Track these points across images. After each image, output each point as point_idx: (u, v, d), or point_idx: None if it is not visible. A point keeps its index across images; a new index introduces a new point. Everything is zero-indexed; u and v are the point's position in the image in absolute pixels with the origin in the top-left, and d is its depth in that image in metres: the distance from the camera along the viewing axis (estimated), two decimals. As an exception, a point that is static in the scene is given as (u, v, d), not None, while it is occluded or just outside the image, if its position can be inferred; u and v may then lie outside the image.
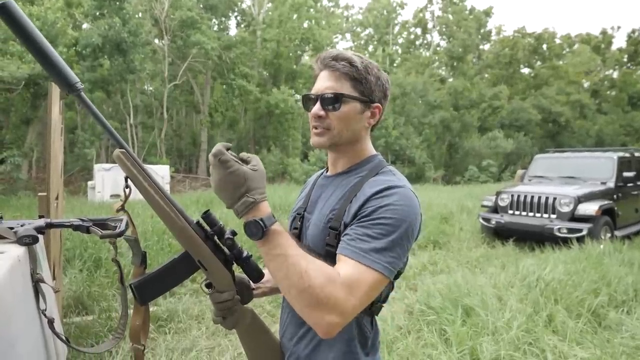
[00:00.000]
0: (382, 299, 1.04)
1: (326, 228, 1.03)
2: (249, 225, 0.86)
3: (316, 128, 1.07)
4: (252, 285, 1.13)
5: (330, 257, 0.99)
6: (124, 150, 0.89)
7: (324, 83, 1.06)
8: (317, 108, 1.05)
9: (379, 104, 1.08)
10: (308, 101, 1.09)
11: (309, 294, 0.83)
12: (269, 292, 1.24)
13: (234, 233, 0.98)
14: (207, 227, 0.96)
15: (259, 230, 0.85)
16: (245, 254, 0.99)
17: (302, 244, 1.11)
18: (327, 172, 1.19)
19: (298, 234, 1.13)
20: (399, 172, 1.08)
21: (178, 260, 0.98)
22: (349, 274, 0.87)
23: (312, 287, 0.83)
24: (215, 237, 0.97)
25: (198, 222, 0.95)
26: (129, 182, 0.92)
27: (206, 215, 0.95)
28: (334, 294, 0.83)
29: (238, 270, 1.04)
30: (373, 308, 1.03)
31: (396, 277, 1.02)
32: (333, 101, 1.03)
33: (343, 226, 0.98)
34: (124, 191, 0.94)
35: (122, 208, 0.95)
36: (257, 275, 1.01)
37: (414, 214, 0.95)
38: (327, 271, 0.86)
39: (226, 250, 0.98)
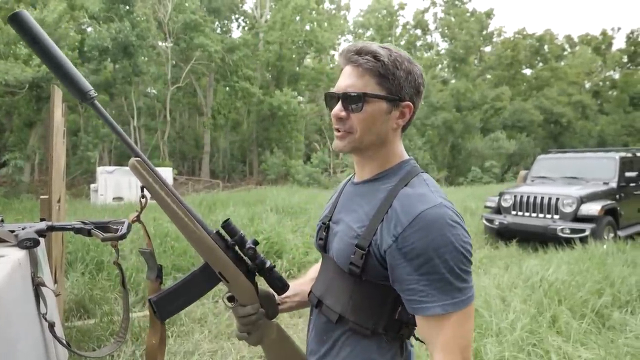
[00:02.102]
0: (412, 321, 0.95)
1: (352, 245, 0.94)
2: None
3: (338, 130, 0.98)
4: (278, 298, 1.07)
5: (353, 276, 0.94)
6: (139, 159, 0.86)
7: (346, 80, 0.96)
8: (338, 108, 0.96)
9: (409, 102, 0.97)
10: (331, 99, 1.00)
11: None
12: (296, 306, 1.17)
13: (255, 242, 0.94)
14: (227, 237, 0.92)
15: None
16: (268, 264, 0.95)
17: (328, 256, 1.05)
18: (354, 177, 1.09)
19: (324, 245, 1.06)
20: (432, 180, 0.98)
21: (198, 272, 0.94)
22: (453, 332, 0.84)
23: None
24: (236, 247, 0.93)
25: (218, 232, 0.92)
26: (145, 191, 0.89)
27: (226, 224, 0.92)
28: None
29: (262, 283, 1.00)
30: (402, 332, 0.95)
31: None
32: (355, 101, 0.93)
33: (376, 248, 0.90)
34: (140, 201, 0.91)
35: (138, 219, 0.93)
36: (281, 286, 0.97)
37: (460, 227, 0.87)
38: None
39: (248, 260, 0.94)
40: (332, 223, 1.05)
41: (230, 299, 0.97)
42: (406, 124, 1.01)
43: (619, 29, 65.99)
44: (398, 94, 0.95)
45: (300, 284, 1.20)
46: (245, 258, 0.94)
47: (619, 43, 64.45)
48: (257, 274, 0.96)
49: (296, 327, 3.87)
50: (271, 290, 1.00)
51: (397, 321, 0.93)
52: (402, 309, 0.92)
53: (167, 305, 0.94)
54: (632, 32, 42.86)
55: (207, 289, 0.96)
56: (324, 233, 1.07)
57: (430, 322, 0.85)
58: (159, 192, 0.87)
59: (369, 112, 0.94)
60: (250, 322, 0.94)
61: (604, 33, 44.57)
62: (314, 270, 1.24)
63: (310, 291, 1.10)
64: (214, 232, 0.91)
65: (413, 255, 0.85)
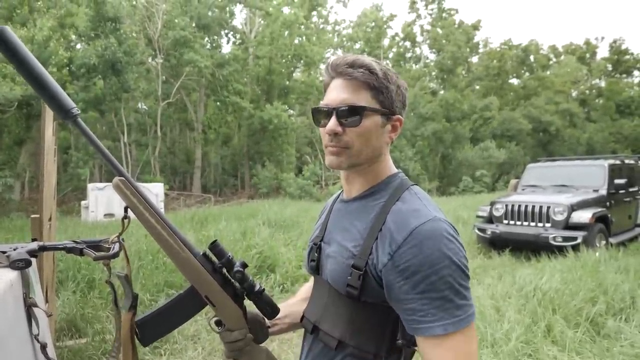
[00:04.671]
0: (414, 342, 0.90)
1: (348, 266, 0.90)
2: None
3: (332, 146, 0.93)
4: (267, 322, 1.03)
5: (351, 298, 0.90)
6: (123, 178, 0.84)
7: (340, 94, 0.91)
8: (333, 124, 0.90)
9: (399, 116, 0.96)
10: (319, 114, 0.94)
11: None
12: (287, 328, 1.13)
13: (244, 265, 0.91)
14: (214, 259, 0.90)
15: None
16: (257, 287, 0.92)
17: (322, 279, 1.01)
18: (343, 194, 1.06)
19: (316, 267, 1.03)
20: (423, 193, 0.95)
21: (184, 295, 0.91)
22: (455, 353, 0.80)
23: None
24: (224, 270, 0.90)
25: (204, 254, 0.89)
26: (129, 212, 0.86)
27: (214, 246, 0.89)
28: None
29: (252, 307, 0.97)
30: (405, 353, 0.91)
31: None
32: (353, 115, 0.89)
33: (373, 268, 0.87)
34: (123, 221, 0.88)
35: (118, 240, 0.90)
36: (271, 311, 0.93)
37: (456, 242, 0.84)
38: None
39: (236, 284, 0.91)
40: (324, 243, 1.02)
41: (218, 323, 0.94)
42: (395, 139, 1.00)
43: (602, 38, 67.94)
44: (390, 108, 0.93)
45: (291, 305, 1.16)
46: (234, 281, 0.91)
47: (603, 52, 65.90)
48: (245, 297, 0.93)
49: (290, 341, 3.84)
50: (260, 313, 0.96)
51: (399, 343, 0.90)
52: (404, 330, 0.88)
53: (151, 329, 0.90)
54: (614, 41, 43.91)
55: (193, 313, 0.93)
56: (316, 254, 1.03)
57: (431, 343, 0.81)
58: (143, 213, 0.84)
59: (367, 127, 0.90)
60: (237, 348, 0.91)
61: (587, 42, 45.55)
62: (305, 290, 1.20)
63: (303, 316, 1.07)
64: (201, 254, 0.88)
65: (409, 273, 0.82)
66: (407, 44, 42.15)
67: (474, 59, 42.68)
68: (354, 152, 0.92)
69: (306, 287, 1.21)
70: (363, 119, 0.90)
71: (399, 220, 0.86)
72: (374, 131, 0.92)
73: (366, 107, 0.89)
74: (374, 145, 0.93)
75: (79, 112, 0.83)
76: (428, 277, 0.80)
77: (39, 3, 19.75)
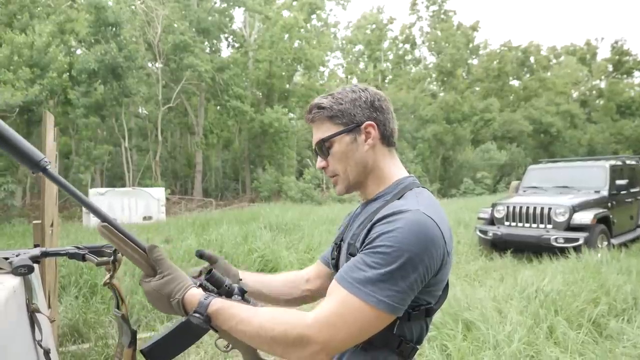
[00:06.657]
0: (414, 340, 0.95)
1: (347, 255, 1.00)
2: (191, 321, 0.87)
3: (330, 177, 1.10)
4: None
5: None
6: (106, 224, 0.86)
7: (315, 137, 1.08)
8: (318, 162, 1.10)
9: (368, 122, 1.03)
10: (315, 158, 1.13)
11: (277, 342, 0.85)
12: None
13: (242, 291, 0.97)
14: (212, 288, 0.94)
15: (202, 322, 0.87)
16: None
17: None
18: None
19: (335, 264, 1.12)
20: (428, 195, 1.00)
21: (189, 320, 0.95)
22: (335, 306, 0.86)
23: (275, 337, 0.84)
24: (224, 298, 0.94)
25: (202, 285, 0.93)
26: (118, 255, 0.91)
27: (210, 276, 0.93)
28: (306, 332, 0.83)
29: None
30: (402, 348, 0.93)
31: (428, 314, 0.95)
32: (322, 149, 1.06)
33: (357, 252, 0.95)
34: (113, 264, 0.92)
35: (110, 282, 0.92)
36: None
37: (422, 243, 0.85)
38: (288, 316, 0.87)
39: None
40: (342, 242, 1.12)
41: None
42: (386, 140, 1.06)
43: (602, 39, 68.10)
44: (353, 121, 1.03)
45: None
46: None
47: (604, 53, 65.98)
48: None
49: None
50: None
51: (396, 336, 0.92)
52: (401, 323, 0.91)
53: (160, 353, 0.93)
54: (616, 42, 43.86)
55: (200, 335, 0.97)
56: (336, 253, 1.13)
57: (331, 287, 0.91)
58: (133, 256, 0.89)
59: (338, 150, 1.04)
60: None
61: (588, 43, 45.52)
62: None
63: None
64: (197, 285, 0.92)
65: (367, 242, 0.90)
66: (407, 46, 42.16)
67: (474, 61, 42.70)
68: (343, 175, 1.06)
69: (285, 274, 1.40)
70: (330, 147, 1.05)
71: (388, 208, 0.94)
72: (348, 149, 1.04)
73: (323, 138, 1.05)
74: (356, 160, 1.04)
75: (49, 162, 0.83)
76: (375, 247, 0.87)
77: (38, 9, 19.83)
